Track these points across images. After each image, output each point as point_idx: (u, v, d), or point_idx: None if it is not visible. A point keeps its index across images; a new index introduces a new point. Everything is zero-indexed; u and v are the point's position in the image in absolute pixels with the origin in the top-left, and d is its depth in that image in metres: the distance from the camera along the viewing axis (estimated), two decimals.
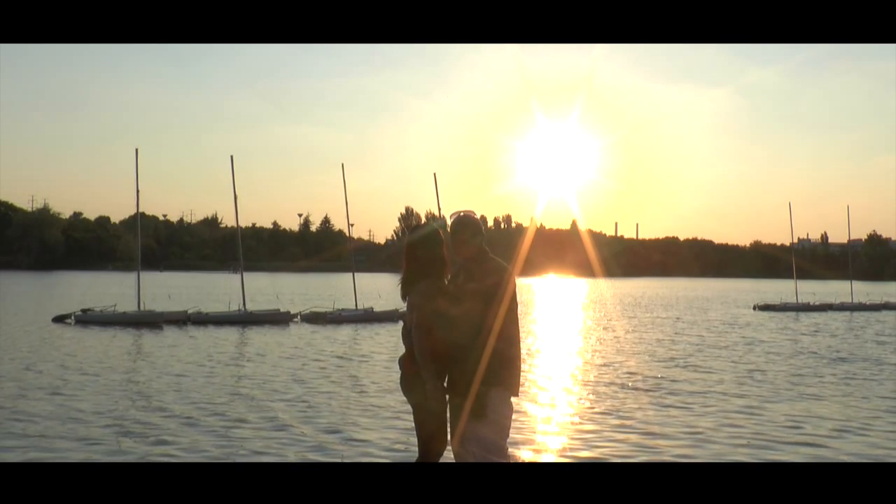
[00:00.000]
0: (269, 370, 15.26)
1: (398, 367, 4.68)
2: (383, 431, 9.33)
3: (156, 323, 26.06)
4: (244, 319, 27.62)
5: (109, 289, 30.06)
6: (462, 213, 4.74)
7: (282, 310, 29.63)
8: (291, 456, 8.09)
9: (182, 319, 26.95)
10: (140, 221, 31.47)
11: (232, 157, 31.47)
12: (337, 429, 9.49)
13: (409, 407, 4.71)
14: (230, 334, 23.55)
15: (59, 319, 26.42)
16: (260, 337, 22.70)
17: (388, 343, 21.14)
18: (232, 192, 31.14)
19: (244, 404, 11.16)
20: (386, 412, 10.53)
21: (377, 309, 30.78)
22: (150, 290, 41.15)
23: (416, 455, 4.65)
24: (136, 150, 28.98)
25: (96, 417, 10.06)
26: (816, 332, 26.68)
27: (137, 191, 29.14)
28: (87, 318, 26.52)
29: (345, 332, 24.76)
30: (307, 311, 29.60)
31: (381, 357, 17.72)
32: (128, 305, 27.86)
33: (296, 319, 28.71)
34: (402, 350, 4.71)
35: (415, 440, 4.68)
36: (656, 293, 61.41)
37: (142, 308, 27.37)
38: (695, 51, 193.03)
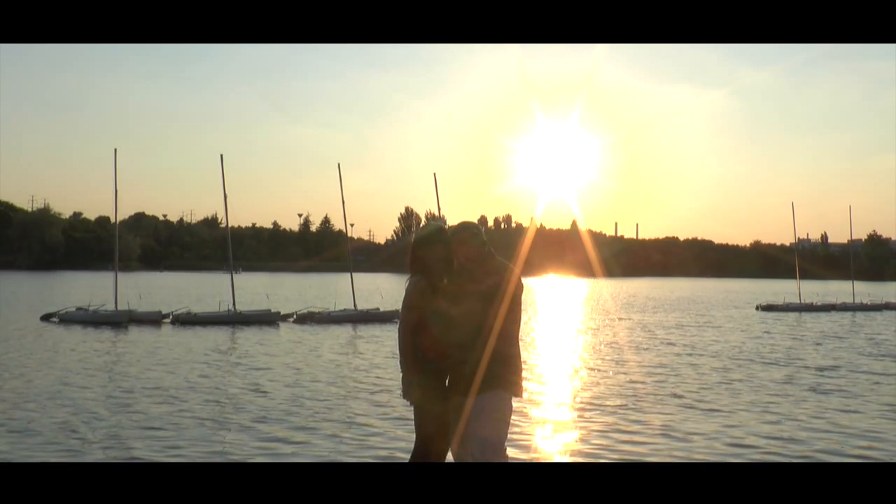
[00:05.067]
0: (215, 370, 15.19)
1: (399, 367, 4.70)
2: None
3: (123, 322, 26.12)
4: (232, 320, 27.49)
5: (107, 289, 30.29)
6: (466, 222, 4.82)
7: (272, 310, 29.52)
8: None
9: (156, 319, 26.96)
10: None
11: (221, 156, 31.48)
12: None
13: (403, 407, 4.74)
14: (211, 334, 23.29)
15: (46, 318, 27.01)
16: (241, 338, 22.38)
17: (372, 344, 20.90)
18: (226, 192, 31.22)
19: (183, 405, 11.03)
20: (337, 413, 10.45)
21: (381, 309, 30.72)
22: (147, 290, 41.26)
23: (412, 455, 4.66)
24: (115, 150, 29.49)
25: None
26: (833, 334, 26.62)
27: (116, 191, 29.72)
28: (69, 317, 26.85)
29: (335, 332, 24.49)
30: (304, 311, 29.45)
31: (359, 357, 17.66)
32: (122, 304, 27.98)
33: (290, 319, 28.57)
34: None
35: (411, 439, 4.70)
36: (658, 294, 61.33)
37: (129, 307, 27.59)
38: (693, 51, 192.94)
